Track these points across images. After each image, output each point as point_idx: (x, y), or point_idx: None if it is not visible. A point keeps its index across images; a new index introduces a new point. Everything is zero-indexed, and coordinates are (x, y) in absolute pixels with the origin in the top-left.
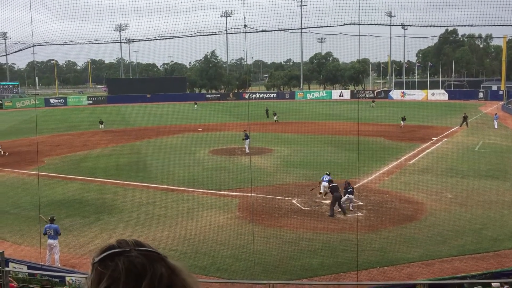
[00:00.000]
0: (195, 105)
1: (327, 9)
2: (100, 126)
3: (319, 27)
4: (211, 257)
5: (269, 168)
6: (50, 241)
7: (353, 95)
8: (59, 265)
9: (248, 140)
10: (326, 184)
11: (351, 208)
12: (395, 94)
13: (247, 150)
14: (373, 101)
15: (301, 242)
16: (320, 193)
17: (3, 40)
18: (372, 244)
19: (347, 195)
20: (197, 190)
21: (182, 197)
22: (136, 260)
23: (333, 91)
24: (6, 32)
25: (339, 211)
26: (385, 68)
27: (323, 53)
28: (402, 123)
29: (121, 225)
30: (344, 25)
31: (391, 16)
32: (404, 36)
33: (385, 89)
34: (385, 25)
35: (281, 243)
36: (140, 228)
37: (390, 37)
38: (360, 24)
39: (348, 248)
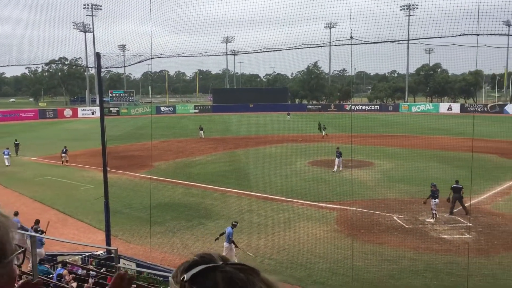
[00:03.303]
0: (288, 116)
1: (439, 19)
2: (200, 133)
3: (431, 38)
4: (308, 269)
5: (369, 182)
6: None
7: (463, 109)
8: None
9: (341, 158)
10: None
11: (341, 168)
12: None
13: (341, 168)
14: None
15: (402, 261)
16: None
17: (122, 52)
18: (481, 269)
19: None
20: (295, 200)
21: (280, 206)
22: (235, 276)
23: (441, 104)
24: (125, 45)
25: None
26: (501, 81)
27: (431, 64)
28: None
29: (221, 230)
30: (460, 35)
31: (509, 25)
32: None
33: (500, 103)
34: (504, 35)
35: (380, 260)
36: (239, 235)
37: (508, 47)
38: (478, 35)
39: (454, 272)
